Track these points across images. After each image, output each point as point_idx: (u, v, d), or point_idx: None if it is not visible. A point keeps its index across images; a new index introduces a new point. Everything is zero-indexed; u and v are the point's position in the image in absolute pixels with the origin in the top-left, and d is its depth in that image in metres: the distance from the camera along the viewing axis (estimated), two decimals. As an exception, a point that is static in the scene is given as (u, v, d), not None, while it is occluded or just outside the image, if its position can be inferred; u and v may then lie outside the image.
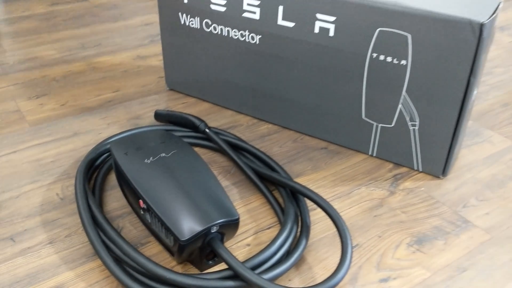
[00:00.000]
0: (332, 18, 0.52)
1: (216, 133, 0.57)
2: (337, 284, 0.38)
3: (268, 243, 0.45)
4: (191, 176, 0.44)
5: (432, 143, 0.52)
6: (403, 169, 0.55)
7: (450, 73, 0.48)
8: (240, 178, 0.53)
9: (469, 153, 0.58)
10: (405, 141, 0.54)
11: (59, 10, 0.99)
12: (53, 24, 0.92)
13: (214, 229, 0.40)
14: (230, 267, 0.39)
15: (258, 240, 0.45)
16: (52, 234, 0.45)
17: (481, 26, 0.45)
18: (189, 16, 0.62)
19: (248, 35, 0.58)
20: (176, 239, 0.39)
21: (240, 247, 0.45)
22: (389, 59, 0.50)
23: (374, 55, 0.51)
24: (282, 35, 0.56)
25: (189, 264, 0.43)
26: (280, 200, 0.50)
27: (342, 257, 0.40)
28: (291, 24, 0.55)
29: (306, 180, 0.53)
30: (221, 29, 0.60)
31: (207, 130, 0.57)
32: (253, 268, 0.40)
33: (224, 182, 0.53)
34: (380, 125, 0.54)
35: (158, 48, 0.84)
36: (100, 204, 0.49)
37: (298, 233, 0.45)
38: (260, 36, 0.58)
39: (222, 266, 0.43)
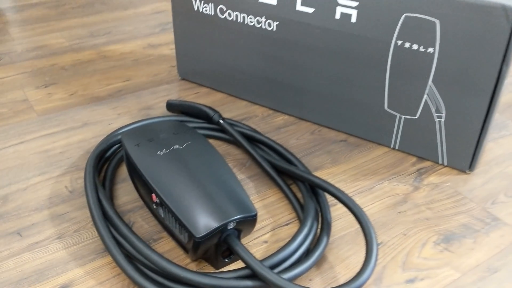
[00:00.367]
0: (355, 3, 0.49)
1: (231, 125, 0.54)
2: (362, 285, 0.36)
3: (286, 240, 0.43)
4: (206, 169, 0.42)
5: (459, 136, 0.49)
6: (427, 163, 0.52)
7: (480, 62, 0.45)
8: (255, 171, 0.51)
9: (496, 146, 0.55)
10: (430, 134, 0.51)
11: (68, -2, 0.97)
12: (62, 12, 0.90)
13: (231, 226, 0.38)
14: (248, 266, 0.36)
15: (275, 237, 0.43)
16: (61, 229, 0.43)
17: (517, 10, 0.42)
18: (202, 2, 0.59)
19: (265, 22, 0.56)
20: (190, 235, 0.37)
21: (257, 244, 0.42)
22: (415, 46, 0.48)
23: (399, 42, 0.48)
24: (301, 21, 0.53)
25: (204, 261, 0.41)
26: (299, 195, 0.48)
27: (366, 256, 0.37)
28: (310, 10, 0.52)
29: (325, 174, 0.51)
30: (236, 16, 0.57)
31: (221, 121, 0.54)
32: (272, 267, 0.38)
33: (239, 176, 0.50)
34: (404, 116, 0.52)
35: (169, 36, 0.81)
36: (111, 198, 0.47)
37: (319, 230, 0.42)
38: (277, 23, 0.55)
39: (239, 264, 0.40)
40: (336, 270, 0.40)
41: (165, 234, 0.43)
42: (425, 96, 0.49)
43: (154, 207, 0.42)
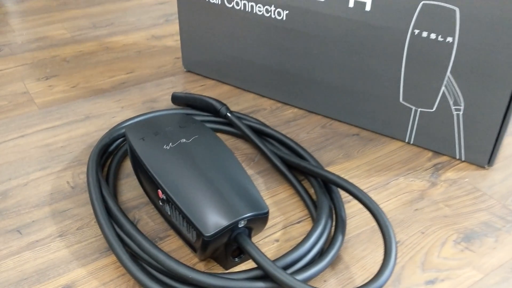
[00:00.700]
0: (370, -9, 0.47)
1: (239, 118, 0.52)
2: (381, 287, 0.34)
3: (298, 239, 0.41)
4: (215, 164, 0.40)
5: (477, 129, 0.47)
6: (444, 158, 0.50)
7: (502, 52, 0.43)
8: (265, 166, 0.49)
9: (514, 141, 0.53)
10: (447, 127, 0.49)
11: (69, -12, 0.94)
12: (64, 3, 0.88)
13: (241, 224, 0.36)
14: (260, 267, 0.34)
15: (287, 235, 0.41)
16: (62, 226, 0.42)
17: (543, -3, 0.39)
18: (209, -9, 0.57)
19: (274, 11, 0.53)
20: (199, 234, 0.35)
21: (268, 243, 0.40)
22: (433, 36, 0.45)
23: (416, 31, 0.46)
24: (312, 10, 0.51)
25: (213, 261, 0.39)
26: (310, 191, 0.46)
27: (385, 256, 0.35)
28: (322, -2, 0.50)
29: (337, 170, 0.49)
30: (244, 4, 0.55)
31: (228, 114, 0.52)
32: (285, 268, 0.36)
33: (248, 171, 0.48)
34: (420, 109, 0.49)
35: (174, 28, 0.79)
36: (115, 194, 0.45)
37: (333, 229, 0.40)
38: (287, 12, 0.53)
39: (249, 264, 0.38)
40: (352, 270, 0.38)
41: (171, 232, 0.41)
42: (443, 88, 0.47)
43: (160, 204, 0.40)
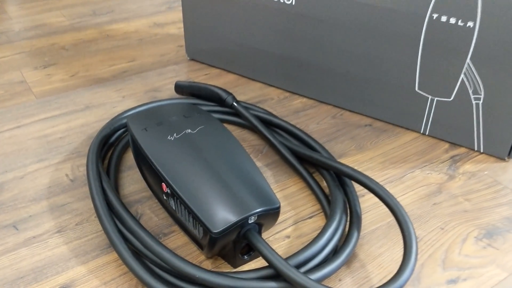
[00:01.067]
0: (385, -28, 0.44)
1: (245, 108, 0.50)
2: (401, 287, 0.31)
3: (310, 235, 0.39)
4: (223, 156, 0.37)
5: (498, 120, 0.45)
6: (461, 150, 0.48)
7: (528, 36, 0.40)
8: (273, 158, 0.47)
9: (534, 132, 0.51)
10: (466, 118, 0.46)
11: (68, -25, 0.92)
12: (63, -10, 0.85)
13: (251, 220, 0.33)
14: (272, 265, 0.32)
15: (298, 231, 0.39)
16: (61, 222, 0.39)
17: None
18: (214, -26, 0.55)
19: (283, -5, 0.51)
20: (206, 230, 0.33)
21: (278, 239, 0.38)
22: (452, 20, 0.43)
23: (435, 15, 0.43)
24: (323, -6, 0.48)
25: (220, 258, 0.37)
26: (322, 184, 0.43)
27: (405, 254, 0.33)
28: (334, -19, 0.47)
29: (350, 162, 0.46)
30: (251, -11, 0.53)
31: (235, 104, 0.50)
32: (298, 266, 0.34)
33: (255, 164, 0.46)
34: (437, 98, 0.47)
35: (176, 15, 0.76)
36: (116, 187, 0.42)
37: (347, 225, 0.38)
38: (296, -4, 0.50)
39: (259, 261, 0.36)
40: (368, 269, 0.36)
41: (176, 227, 0.39)
42: (462, 76, 0.45)
43: (165, 198, 0.38)
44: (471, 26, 0.42)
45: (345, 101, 0.53)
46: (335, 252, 0.36)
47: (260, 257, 0.36)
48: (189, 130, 0.40)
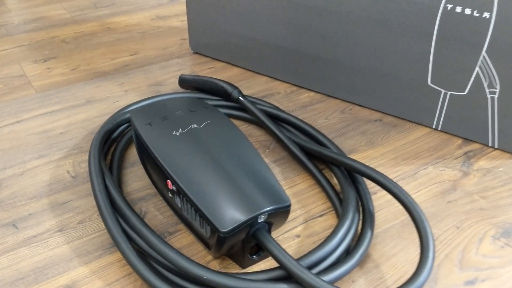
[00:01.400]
0: (398, -39, 0.42)
1: (252, 102, 0.48)
2: (418, 290, 0.30)
3: (321, 234, 0.37)
4: (230, 152, 0.36)
5: (514, 114, 0.43)
6: (475, 146, 0.46)
7: (547, 28, 0.39)
8: (281, 154, 0.45)
9: (550, 127, 0.49)
10: (480, 112, 0.45)
11: (69, -33, 0.90)
12: (63, -18, 0.83)
13: (261, 219, 0.32)
14: (283, 267, 0.31)
15: (309, 230, 0.37)
16: (62, 220, 0.38)
17: None
18: (219, -36, 0.53)
19: (291, -15, 0.49)
20: (214, 230, 0.31)
21: (288, 239, 0.37)
22: (467, 11, 0.41)
23: (449, 6, 0.42)
24: (333, -16, 0.47)
25: (228, 258, 0.35)
26: (333, 181, 0.42)
27: (422, 255, 0.31)
28: (344, -30, 0.45)
29: (360, 158, 0.45)
30: (258, -21, 0.51)
31: (241, 98, 0.48)
32: (310, 267, 0.32)
33: (264, 159, 0.45)
34: (450, 92, 0.45)
35: (179, 7, 0.75)
36: (119, 184, 0.41)
37: (360, 224, 0.37)
38: (305, -14, 0.48)
39: (268, 261, 0.35)
40: (382, 269, 0.34)
41: (182, 226, 0.38)
42: (477, 69, 0.43)
43: (170, 195, 0.36)
44: (487, 17, 0.41)
45: (354, 95, 0.51)
46: (348, 252, 0.34)
47: (269, 257, 0.35)
48: (195, 125, 0.38)
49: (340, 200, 0.39)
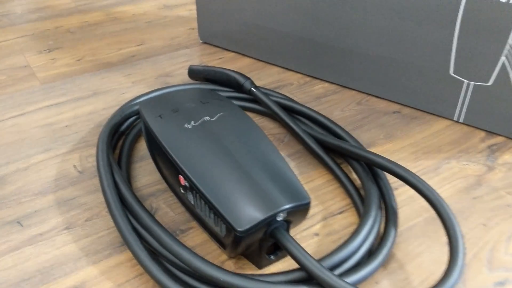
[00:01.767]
0: None
1: (265, 93, 0.46)
2: (449, 292, 0.28)
3: (341, 232, 0.35)
4: (246, 145, 0.34)
5: (541, 106, 0.41)
6: (499, 139, 0.44)
7: None
8: (296, 148, 0.43)
9: None
10: (505, 104, 0.43)
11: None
12: (67, -29, 0.81)
13: (280, 217, 0.30)
14: (304, 268, 0.29)
15: (328, 228, 0.36)
16: (69, 217, 0.36)
17: None
18: (230, -50, 0.51)
19: (305, -29, 0.47)
20: (230, 228, 0.29)
21: (306, 237, 0.35)
22: (495, -4, 0.39)
23: (475, -9, 0.40)
24: (350, -31, 0.45)
25: (243, 258, 0.33)
26: (352, 176, 0.40)
27: (452, 256, 0.30)
28: (363, -46, 0.43)
29: (379, 152, 0.43)
30: (271, -35, 0.49)
31: (253, 89, 0.46)
32: (332, 268, 0.30)
33: (278, 153, 0.43)
34: (473, 83, 0.43)
35: (186, -4, 0.73)
36: (128, 179, 0.39)
37: (382, 221, 0.35)
38: (320, -28, 0.46)
39: (286, 261, 0.33)
40: (407, 270, 0.33)
41: (194, 223, 0.36)
42: (503, 58, 0.41)
43: (182, 191, 0.34)
44: (516, 3, 0.38)
45: (371, 86, 0.49)
46: (371, 252, 0.32)
47: (287, 257, 0.33)
48: (208, 117, 0.36)
49: (360, 196, 0.37)
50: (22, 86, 0.52)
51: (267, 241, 0.31)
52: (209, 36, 0.59)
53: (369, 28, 0.46)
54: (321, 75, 0.52)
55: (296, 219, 0.32)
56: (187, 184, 0.33)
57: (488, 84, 0.43)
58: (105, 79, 0.53)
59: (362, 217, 0.33)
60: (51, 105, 0.49)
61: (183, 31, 0.63)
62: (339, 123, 0.46)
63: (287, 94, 0.51)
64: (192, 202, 0.33)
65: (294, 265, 0.32)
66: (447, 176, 0.40)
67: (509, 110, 0.43)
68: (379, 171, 0.38)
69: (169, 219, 0.36)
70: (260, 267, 0.33)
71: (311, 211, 0.37)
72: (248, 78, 0.47)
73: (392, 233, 0.33)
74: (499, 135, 0.45)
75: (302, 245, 0.34)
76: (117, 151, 0.42)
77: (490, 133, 0.45)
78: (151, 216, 0.33)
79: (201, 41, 0.60)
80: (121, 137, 0.43)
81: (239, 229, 0.29)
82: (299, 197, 0.31)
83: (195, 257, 0.30)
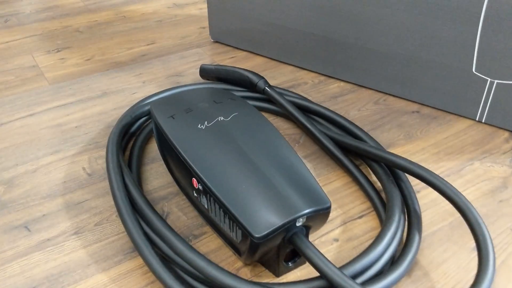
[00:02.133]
0: None
1: (279, 93, 0.45)
2: (479, 303, 0.26)
3: (361, 237, 0.34)
4: (262, 147, 0.32)
5: None
6: (524, 139, 0.43)
7: None
8: (312, 149, 0.42)
9: None
10: (531, 103, 0.41)
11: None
12: (75, -30, 0.80)
13: (299, 222, 0.29)
14: (325, 276, 0.27)
15: (348, 233, 0.34)
16: (78, 222, 0.35)
17: None
18: None
19: (321, -34, 0.46)
20: (246, 234, 0.28)
21: (325, 243, 0.33)
22: (521, -10, 0.37)
23: (500, -15, 0.38)
24: (368, -36, 0.43)
25: (260, 265, 0.32)
26: (371, 178, 0.38)
27: (481, 264, 0.28)
28: None
29: (399, 153, 0.41)
30: (285, -40, 0.47)
31: (267, 89, 0.45)
32: (354, 277, 0.29)
33: (293, 155, 0.41)
34: (497, 81, 0.42)
35: (197, -6, 0.71)
36: (139, 182, 0.38)
37: (405, 226, 0.33)
38: (336, -33, 0.45)
39: (305, 269, 0.31)
40: (432, 277, 0.31)
41: (208, 228, 0.35)
42: (529, 55, 0.39)
43: (195, 195, 0.33)
44: (544, -3, 0.37)
45: (388, 85, 0.48)
46: (394, 259, 0.31)
47: (306, 263, 0.32)
48: (222, 118, 0.35)
49: (381, 199, 0.35)
50: (30, 86, 0.51)
51: (285, 248, 0.30)
52: (220, 34, 0.58)
53: (387, 26, 0.44)
54: (336, 74, 0.51)
55: (316, 224, 0.30)
56: (200, 187, 0.31)
57: (513, 82, 0.41)
58: (115, 79, 0.52)
59: (384, 221, 0.31)
60: (60, 106, 0.48)
61: (193, 30, 0.62)
62: (356, 123, 0.45)
63: (302, 94, 0.49)
64: (206, 206, 0.32)
65: (313, 272, 0.31)
66: (471, 178, 0.38)
67: (535, 109, 0.41)
68: (401, 173, 0.36)
69: (182, 224, 0.35)
70: (278, 275, 0.31)
71: (330, 215, 0.35)
72: (262, 77, 0.46)
73: (416, 238, 0.31)
74: (524, 135, 0.43)
75: (322, 251, 0.33)
76: (128, 152, 0.41)
77: (515, 133, 0.43)
78: (163, 220, 0.32)
79: (212, 40, 0.59)
80: (132, 138, 0.42)
81: (256, 235, 0.28)
82: (319, 201, 0.29)
83: (210, 264, 0.28)
